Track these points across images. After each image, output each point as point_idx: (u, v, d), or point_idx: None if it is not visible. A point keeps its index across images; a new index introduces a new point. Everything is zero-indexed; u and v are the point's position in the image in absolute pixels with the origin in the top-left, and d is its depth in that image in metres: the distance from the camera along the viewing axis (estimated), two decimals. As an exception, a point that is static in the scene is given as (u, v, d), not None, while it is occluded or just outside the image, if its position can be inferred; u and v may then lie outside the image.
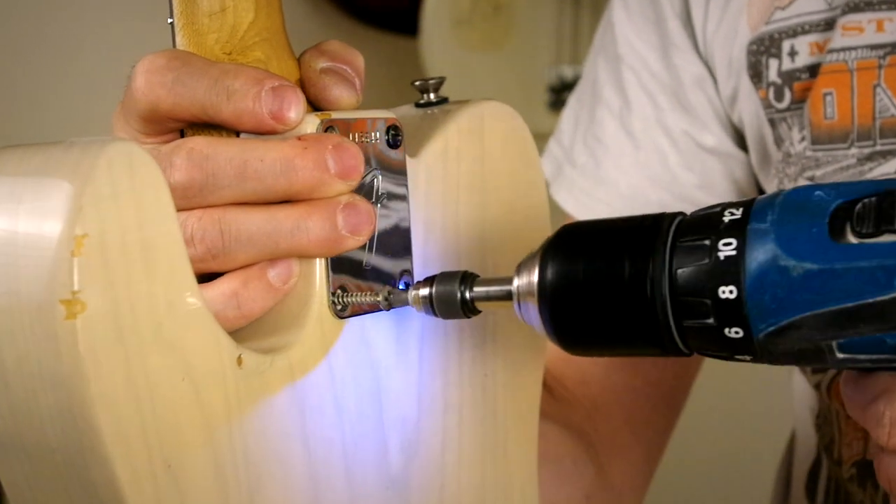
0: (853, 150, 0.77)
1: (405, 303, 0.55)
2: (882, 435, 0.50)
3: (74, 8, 2.17)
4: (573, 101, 0.95)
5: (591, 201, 0.89)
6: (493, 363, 0.62)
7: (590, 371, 0.88)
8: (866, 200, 0.47)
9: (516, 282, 0.53)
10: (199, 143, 0.51)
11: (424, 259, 0.58)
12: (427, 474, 0.58)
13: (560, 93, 1.93)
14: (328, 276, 0.53)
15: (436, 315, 0.54)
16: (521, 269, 0.53)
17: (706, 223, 0.49)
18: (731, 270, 0.47)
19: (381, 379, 0.55)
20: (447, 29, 1.91)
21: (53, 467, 0.45)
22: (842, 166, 0.78)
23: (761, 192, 0.88)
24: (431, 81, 0.62)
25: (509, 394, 0.63)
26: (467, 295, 0.54)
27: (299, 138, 0.51)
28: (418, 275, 0.57)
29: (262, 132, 0.51)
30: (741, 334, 0.48)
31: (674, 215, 0.51)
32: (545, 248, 0.52)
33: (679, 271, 0.48)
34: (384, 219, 0.55)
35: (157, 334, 0.45)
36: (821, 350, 0.47)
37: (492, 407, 0.62)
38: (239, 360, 0.49)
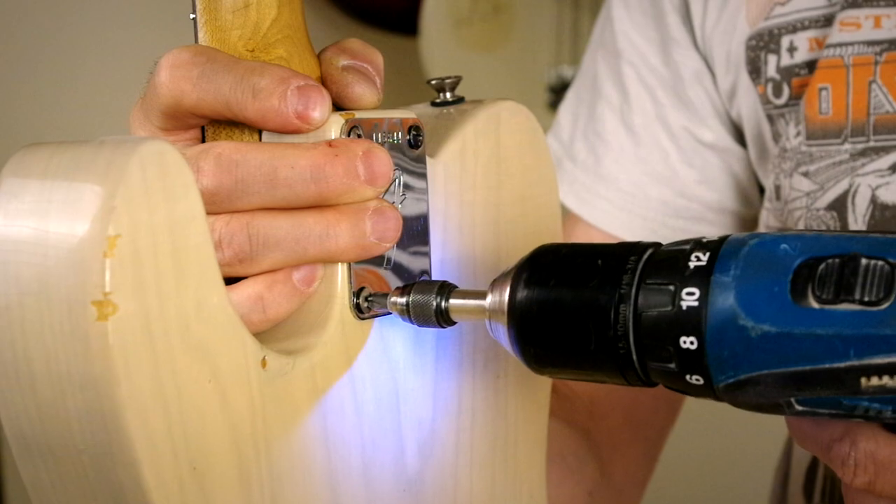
0: (846, 146, 0.77)
1: (384, 307, 0.54)
2: (848, 474, 0.50)
3: (78, 7, 2.16)
4: (571, 95, 0.95)
5: (591, 197, 0.89)
6: (506, 365, 0.62)
7: None
8: (830, 261, 0.46)
9: (489, 299, 0.52)
10: (227, 149, 0.50)
11: (442, 258, 0.57)
12: (441, 475, 0.58)
13: (560, 93, 1.93)
14: (350, 278, 0.53)
15: (412, 322, 0.54)
16: (494, 287, 0.53)
17: (673, 265, 0.49)
18: (692, 321, 0.47)
19: (399, 380, 0.55)
20: (447, 29, 1.90)
21: (79, 468, 0.45)
22: (835, 161, 0.78)
23: (760, 187, 0.89)
24: (448, 80, 0.62)
25: (520, 396, 0.63)
26: (443, 305, 0.54)
27: (330, 144, 0.50)
28: (436, 274, 0.57)
29: (286, 132, 0.51)
30: (701, 382, 0.48)
31: (646, 247, 0.51)
32: (518, 268, 0.52)
33: (644, 315, 0.48)
34: (405, 218, 0.55)
35: (186, 336, 0.45)
36: (779, 405, 0.48)
37: (503, 409, 0.62)
38: (263, 363, 0.48)
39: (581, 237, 0.90)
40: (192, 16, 0.54)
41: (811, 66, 0.79)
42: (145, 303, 0.43)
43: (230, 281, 0.51)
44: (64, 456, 0.45)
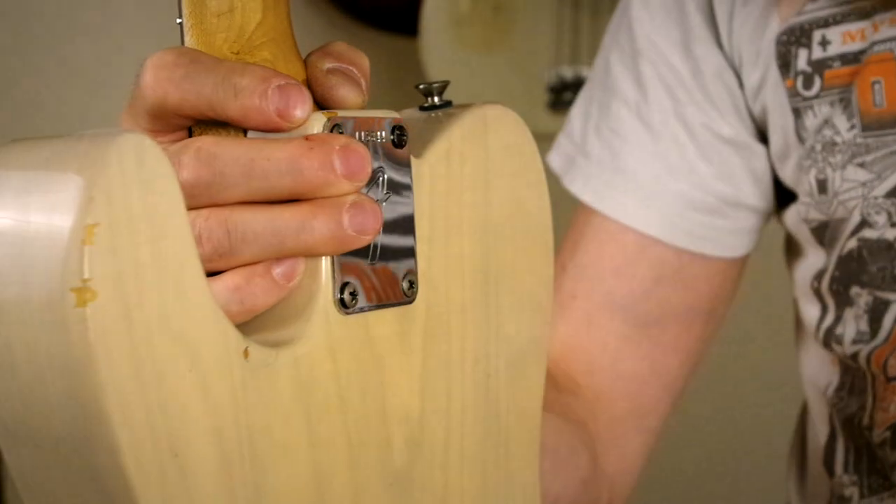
0: None
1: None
2: None
3: (73, 12, 2.18)
4: (582, 98, 0.97)
5: (609, 191, 0.91)
6: (497, 362, 0.62)
7: (598, 361, 0.89)
8: None
9: None
10: (206, 143, 0.52)
11: (429, 258, 0.58)
12: (430, 471, 0.59)
13: (560, 93, 1.93)
14: (334, 272, 0.53)
15: None
16: None
17: None
18: None
19: (386, 375, 0.56)
20: (447, 29, 1.91)
21: (61, 454, 0.46)
22: (892, 150, 0.82)
23: (778, 182, 0.91)
24: (435, 85, 0.63)
25: (512, 392, 0.63)
26: None
27: (306, 138, 0.52)
28: (423, 272, 0.58)
29: (268, 130, 0.52)
30: None
31: None
32: None
33: None
34: (390, 216, 0.56)
35: (165, 323, 0.46)
36: None
37: (494, 405, 0.62)
38: (245, 353, 0.49)
39: (597, 231, 0.91)
40: (178, 20, 0.55)
41: (845, 58, 0.83)
42: (124, 290, 0.45)
43: (210, 275, 0.52)
44: (46, 442, 0.46)
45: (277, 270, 0.52)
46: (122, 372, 0.44)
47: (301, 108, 0.52)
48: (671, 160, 0.90)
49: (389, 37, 2.13)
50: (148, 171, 0.46)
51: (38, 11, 2.13)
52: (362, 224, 0.52)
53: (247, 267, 0.52)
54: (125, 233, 0.45)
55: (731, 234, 0.92)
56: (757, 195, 0.91)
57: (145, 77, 0.52)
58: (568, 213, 0.92)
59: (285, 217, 0.52)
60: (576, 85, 1.93)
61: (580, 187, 0.92)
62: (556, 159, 0.95)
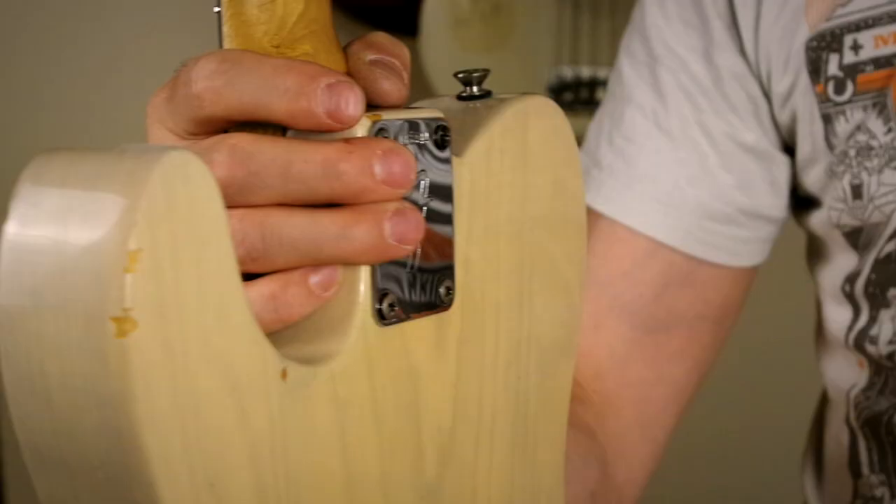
0: None
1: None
2: None
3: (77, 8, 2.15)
4: (597, 113, 0.95)
5: (620, 196, 0.89)
6: (527, 365, 0.60)
7: (605, 365, 0.88)
8: None
9: None
10: (242, 140, 0.49)
11: (466, 262, 0.56)
12: (460, 480, 0.57)
13: (560, 93, 1.91)
14: (373, 283, 0.51)
15: None
16: None
17: None
18: None
19: (420, 385, 0.54)
20: (447, 29, 1.88)
21: (94, 484, 0.44)
22: None
23: (797, 192, 0.90)
24: (475, 74, 0.61)
25: (540, 396, 0.62)
26: None
27: (347, 141, 0.49)
28: (461, 275, 0.55)
29: (320, 131, 0.49)
30: None
31: None
32: None
33: None
34: (429, 222, 0.54)
35: (205, 350, 0.44)
36: None
37: (523, 410, 0.61)
38: (283, 374, 0.47)
39: (606, 235, 0.90)
40: (216, 9, 0.52)
41: (878, 62, 0.81)
42: (165, 319, 0.42)
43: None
44: (79, 471, 0.44)
45: (314, 279, 0.50)
46: (162, 404, 0.42)
47: (353, 105, 0.49)
48: (691, 168, 0.88)
49: (389, 37, 2.11)
50: (193, 192, 0.43)
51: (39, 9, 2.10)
52: (404, 234, 0.50)
53: (283, 274, 0.50)
54: (168, 258, 0.42)
55: (745, 244, 0.90)
56: (774, 206, 0.90)
57: (190, 87, 0.49)
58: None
59: (324, 223, 0.49)
60: (576, 85, 1.92)
61: (592, 197, 0.90)
62: None
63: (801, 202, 0.91)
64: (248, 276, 0.50)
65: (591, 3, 1.93)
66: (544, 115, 0.60)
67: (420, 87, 1.80)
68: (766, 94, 0.87)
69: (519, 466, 0.61)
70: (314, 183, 0.48)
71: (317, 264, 0.50)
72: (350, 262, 0.50)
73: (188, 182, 0.43)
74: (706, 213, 0.88)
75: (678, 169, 0.88)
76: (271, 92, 0.48)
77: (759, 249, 0.91)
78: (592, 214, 0.90)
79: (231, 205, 0.49)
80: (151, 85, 0.54)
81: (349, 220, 0.49)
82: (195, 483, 0.44)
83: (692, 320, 0.90)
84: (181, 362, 0.43)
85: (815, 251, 0.92)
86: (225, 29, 0.52)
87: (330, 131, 0.49)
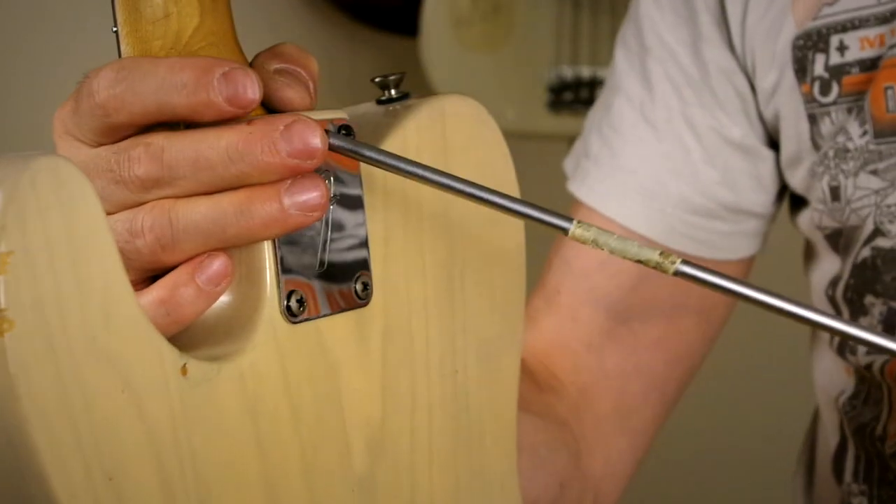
0: None
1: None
2: None
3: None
4: (595, 103, 0.95)
5: (600, 185, 0.89)
6: (465, 358, 0.61)
7: (582, 357, 0.87)
8: None
9: None
10: (156, 137, 0.51)
11: (385, 258, 0.57)
12: (395, 474, 0.58)
13: (560, 93, 1.91)
14: (279, 280, 0.52)
15: None
16: None
17: None
18: None
19: (342, 380, 0.55)
20: (447, 29, 1.90)
21: (-9, 482, 0.45)
22: None
23: (784, 190, 0.89)
24: (391, 77, 0.61)
25: (483, 388, 0.62)
26: None
27: (248, 122, 0.50)
28: (377, 271, 0.56)
29: (224, 119, 0.50)
30: None
31: None
32: None
33: None
34: (338, 221, 0.55)
35: (92, 347, 0.45)
36: None
37: (465, 403, 0.61)
38: (183, 370, 0.49)
39: None
40: (113, 29, 0.54)
41: (864, 64, 0.80)
42: (44, 317, 0.44)
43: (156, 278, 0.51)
44: (-25, 471, 0.45)
45: (201, 277, 0.51)
46: (47, 400, 0.44)
47: (252, 90, 0.50)
48: (674, 162, 0.88)
49: (389, 37, 2.11)
50: (66, 194, 0.45)
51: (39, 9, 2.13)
52: (304, 201, 0.50)
53: (170, 276, 0.51)
54: (43, 258, 0.44)
55: (727, 238, 0.89)
56: (759, 201, 0.89)
57: (94, 98, 0.51)
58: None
59: (223, 204, 0.50)
60: (576, 85, 1.91)
61: (577, 186, 0.90)
62: (568, 164, 0.93)
63: (794, 201, 0.90)
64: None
65: (591, 3, 1.94)
66: (463, 112, 0.61)
67: (420, 88, 1.81)
68: (754, 89, 0.86)
69: (464, 458, 0.61)
70: (221, 168, 0.50)
71: (224, 246, 0.51)
72: (256, 239, 0.51)
73: (61, 185, 0.45)
74: (688, 206, 0.88)
75: (661, 161, 0.88)
76: (170, 90, 0.50)
77: (743, 243, 0.90)
78: (575, 204, 0.90)
79: (151, 199, 0.51)
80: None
81: (248, 196, 0.50)
82: (92, 476, 0.45)
83: (670, 310, 0.88)
84: (66, 360, 0.44)
85: (808, 252, 0.91)
86: (123, 47, 0.54)
87: (236, 117, 0.50)
